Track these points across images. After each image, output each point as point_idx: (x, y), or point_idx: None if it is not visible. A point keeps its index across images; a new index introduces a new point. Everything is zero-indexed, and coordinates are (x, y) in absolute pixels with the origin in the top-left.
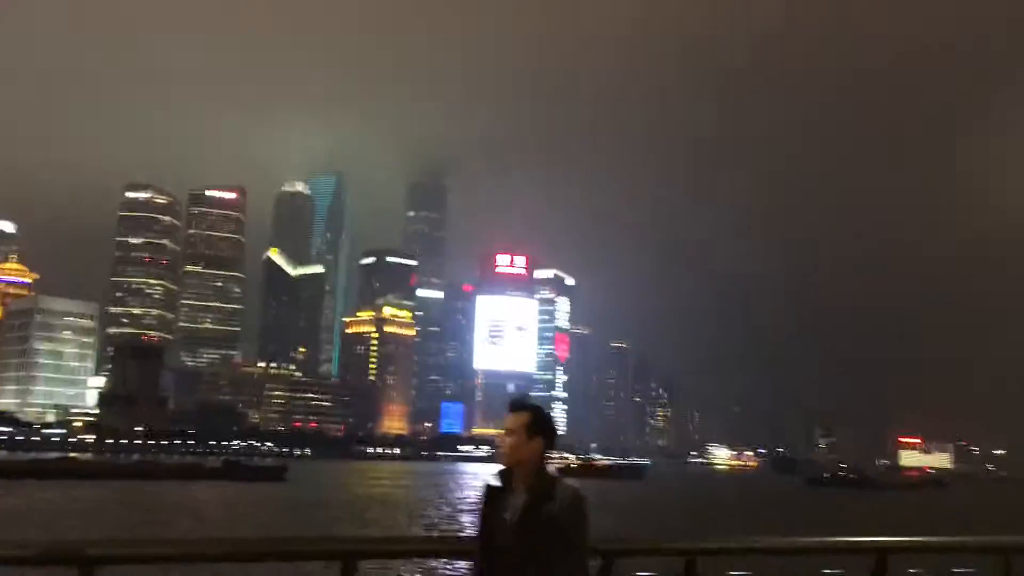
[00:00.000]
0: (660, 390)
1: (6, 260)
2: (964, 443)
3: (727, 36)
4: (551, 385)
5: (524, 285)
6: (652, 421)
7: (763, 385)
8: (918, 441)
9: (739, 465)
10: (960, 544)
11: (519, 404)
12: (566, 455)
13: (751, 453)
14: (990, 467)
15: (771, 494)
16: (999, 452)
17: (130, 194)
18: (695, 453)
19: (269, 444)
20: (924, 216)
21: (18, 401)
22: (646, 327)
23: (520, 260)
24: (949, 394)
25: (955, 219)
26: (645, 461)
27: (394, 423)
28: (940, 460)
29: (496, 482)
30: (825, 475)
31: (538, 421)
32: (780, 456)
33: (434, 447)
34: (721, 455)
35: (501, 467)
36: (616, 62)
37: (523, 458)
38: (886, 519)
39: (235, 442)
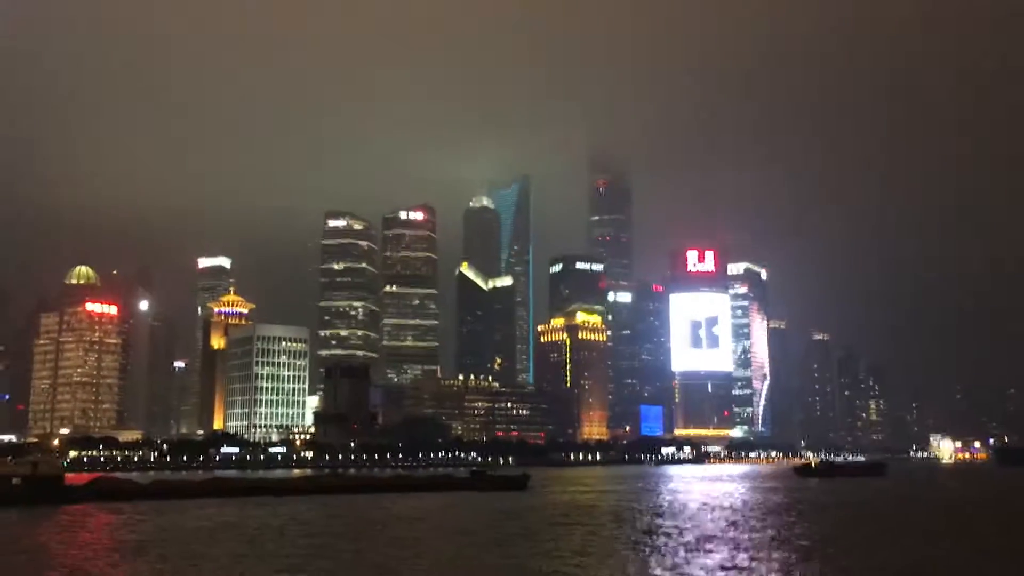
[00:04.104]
0: (870, 381)
1: (226, 293)
2: None
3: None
4: (750, 383)
5: (716, 281)
6: (864, 415)
7: (987, 371)
8: None
9: (966, 458)
10: None
11: None
12: (773, 453)
13: (979, 444)
14: None
15: None
16: None
17: (331, 222)
18: (916, 447)
19: (474, 454)
20: None
21: (245, 423)
22: (848, 317)
23: (710, 255)
24: None
25: None
26: (860, 458)
27: (593, 428)
28: None
29: None
30: None
31: None
32: (1008, 447)
33: (635, 450)
34: (945, 447)
35: None
36: (778, 60)
37: None
38: None
39: (441, 453)
